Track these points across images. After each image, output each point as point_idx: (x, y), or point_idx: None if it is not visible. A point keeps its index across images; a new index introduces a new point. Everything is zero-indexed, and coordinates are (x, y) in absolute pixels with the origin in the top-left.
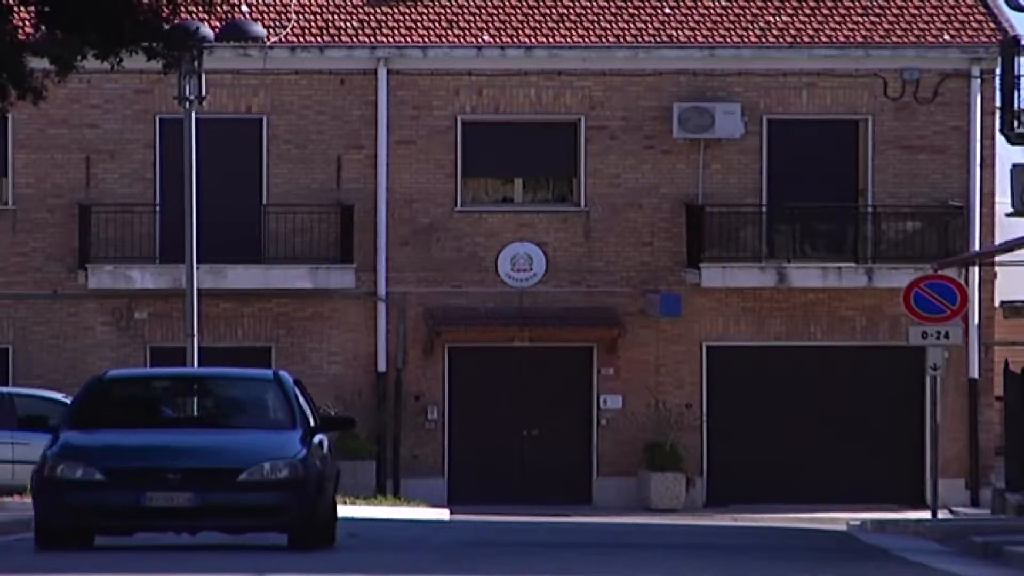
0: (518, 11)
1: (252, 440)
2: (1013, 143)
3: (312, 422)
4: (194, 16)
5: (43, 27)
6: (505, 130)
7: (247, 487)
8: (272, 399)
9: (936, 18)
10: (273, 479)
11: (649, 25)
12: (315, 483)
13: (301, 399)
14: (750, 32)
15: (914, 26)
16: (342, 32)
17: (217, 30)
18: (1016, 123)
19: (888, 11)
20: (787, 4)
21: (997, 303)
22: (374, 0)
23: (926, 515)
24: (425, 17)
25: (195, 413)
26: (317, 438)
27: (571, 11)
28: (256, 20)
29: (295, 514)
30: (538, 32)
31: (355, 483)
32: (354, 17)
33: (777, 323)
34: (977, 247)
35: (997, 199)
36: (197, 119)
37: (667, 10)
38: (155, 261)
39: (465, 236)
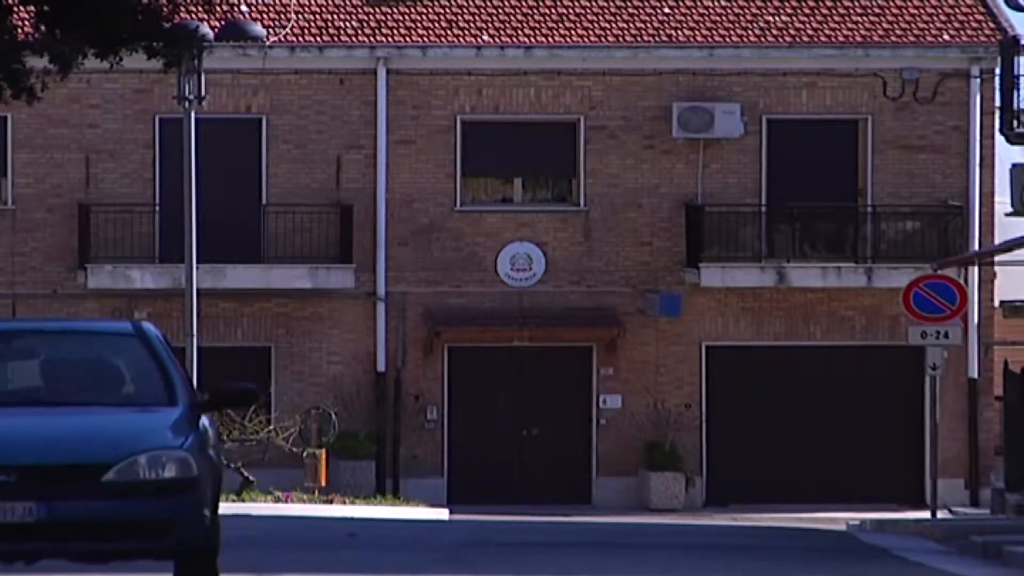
0: (518, 11)
1: (118, 423)
2: (1013, 143)
3: (194, 396)
4: (194, 16)
5: (42, 26)
6: (505, 130)
7: (116, 492)
8: (138, 363)
9: (936, 18)
10: (153, 480)
11: (648, 25)
12: (210, 485)
13: (176, 363)
14: (750, 32)
15: (914, 26)
16: (341, 32)
17: (217, 30)
18: (1016, 123)
19: (888, 11)
20: (787, 4)
21: (997, 303)
22: (373, 0)
23: (926, 515)
24: (425, 17)
25: (29, 384)
26: (202, 421)
27: (571, 11)
28: (256, 20)
29: (186, 531)
30: (537, 32)
31: (354, 483)
32: (353, 17)
33: (776, 323)
34: (977, 247)
35: (997, 199)
36: (197, 119)
37: (666, 10)
38: (155, 261)
39: (465, 236)
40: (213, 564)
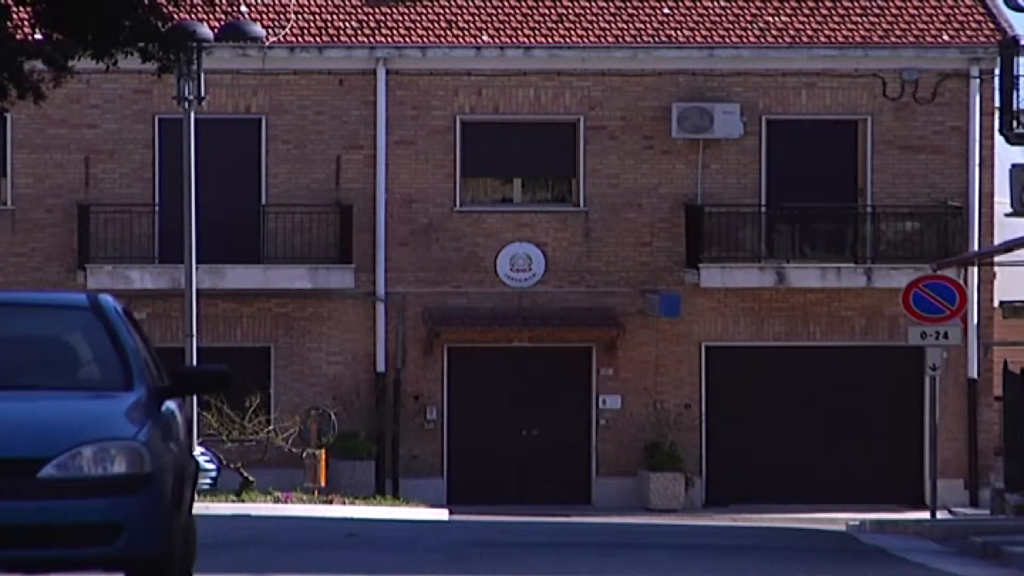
0: (517, 11)
1: (60, 409)
2: (1012, 143)
3: (157, 379)
4: (194, 16)
5: (40, 28)
6: (504, 130)
7: (54, 490)
8: (91, 341)
9: (935, 18)
10: (99, 476)
11: (648, 25)
12: (171, 481)
13: (138, 341)
14: (749, 32)
15: (913, 26)
16: (341, 32)
17: (216, 30)
18: (1015, 123)
19: (887, 11)
20: (787, 4)
21: (996, 303)
22: (373, 0)
23: (925, 515)
24: (424, 17)
25: None
26: (167, 405)
27: (570, 11)
28: (255, 20)
29: (137, 536)
30: (537, 32)
31: (354, 483)
32: (353, 17)
33: (776, 323)
34: (976, 247)
35: (996, 199)
36: (196, 119)
37: (666, 10)
38: (154, 261)
39: (464, 236)
40: (188, 567)
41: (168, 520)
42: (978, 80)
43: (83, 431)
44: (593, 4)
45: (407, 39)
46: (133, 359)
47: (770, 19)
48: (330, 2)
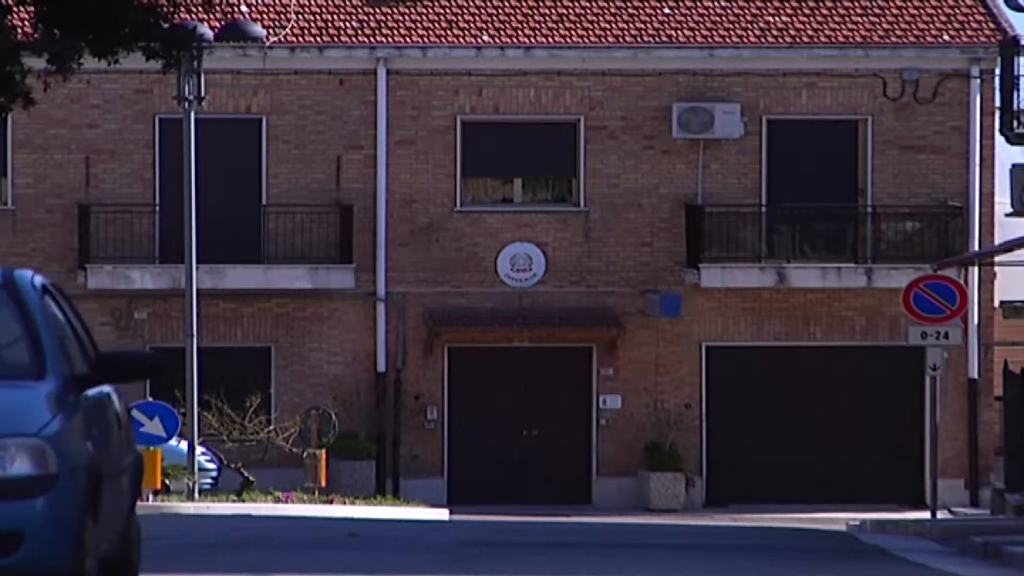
0: (518, 11)
1: None
2: (1013, 143)
3: (82, 366)
4: (193, 16)
5: (41, 26)
6: (505, 130)
7: None
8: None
9: (936, 18)
10: None
11: (648, 25)
12: (84, 482)
13: (61, 323)
14: (750, 32)
15: (914, 26)
16: (341, 32)
17: (216, 30)
18: (1016, 123)
19: (888, 11)
20: (787, 4)
21: (997, 303)
22: (373, 0)
23: (926, 515)
24: (425, 17)
25: None
26: (95, 392)
27: (571, 11)
28: (255, 20)
29: (40, 546)
30: (537, 32)
31: (354, 483)
32: (353, 17)
33: (777, 323)
34: (976, 247)
35: (997, 199)
36: (197, 119)
37: (667, 10)
38: (155, 261)
39: (464, 236)
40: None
41: (78, 526)
42: (978, 80)
43: None
44: (593, 4)
45: (407, 39)
46: (48, 344)
47: (770, 19)
48: (330, 2)
